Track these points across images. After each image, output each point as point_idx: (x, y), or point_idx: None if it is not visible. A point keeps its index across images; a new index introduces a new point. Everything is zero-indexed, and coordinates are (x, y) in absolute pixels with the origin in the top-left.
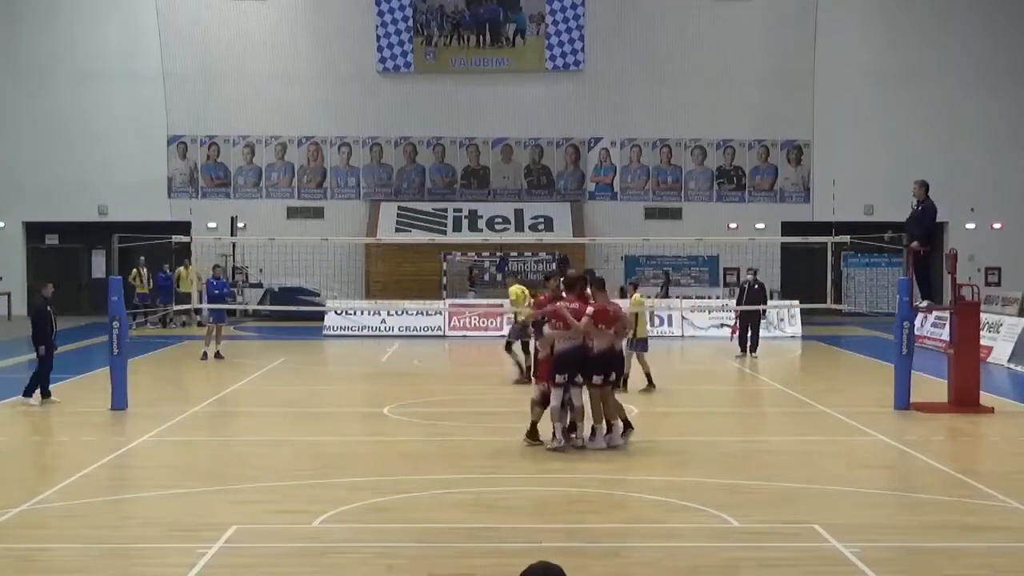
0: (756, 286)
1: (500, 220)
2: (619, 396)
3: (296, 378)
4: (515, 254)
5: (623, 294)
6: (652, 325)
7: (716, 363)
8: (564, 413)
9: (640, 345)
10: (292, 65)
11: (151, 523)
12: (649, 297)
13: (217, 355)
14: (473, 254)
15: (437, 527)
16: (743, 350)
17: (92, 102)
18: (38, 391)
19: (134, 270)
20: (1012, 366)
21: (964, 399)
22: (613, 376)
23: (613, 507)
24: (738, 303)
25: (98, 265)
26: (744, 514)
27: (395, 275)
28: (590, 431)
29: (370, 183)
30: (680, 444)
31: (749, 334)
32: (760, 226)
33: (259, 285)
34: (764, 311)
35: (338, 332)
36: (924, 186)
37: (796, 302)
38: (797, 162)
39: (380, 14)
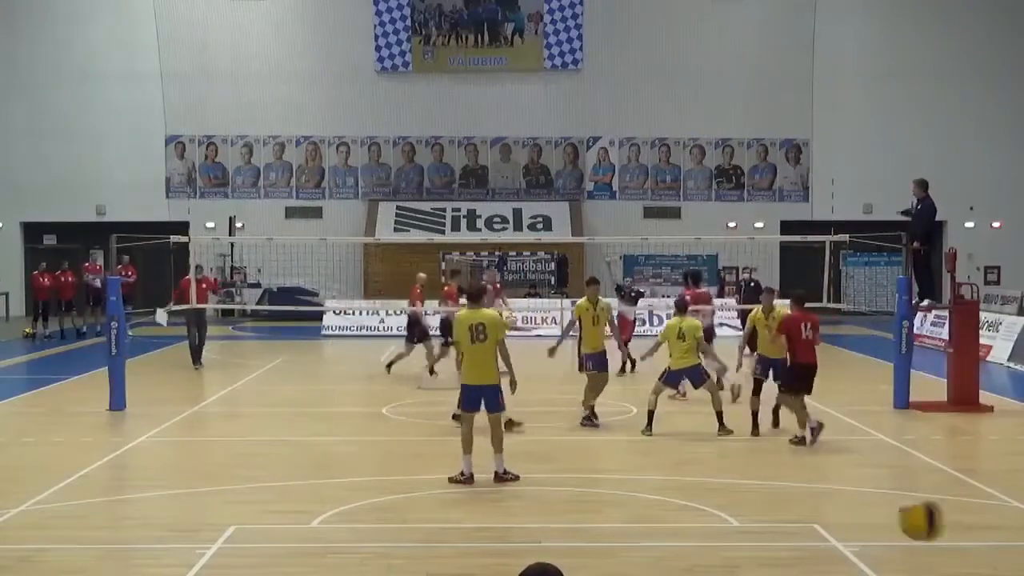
0: (752, 284)
1: (499, 220)
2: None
3: (295, 378)
4: (514, 254)
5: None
6: (651, 324)
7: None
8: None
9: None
10: (290, 65)
11: (150, 523)
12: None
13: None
14: (471, 254)
15: (436, 527)
16: (751, 349)
17: (90, 102)
18: None
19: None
20: (1011, 365)
21: (963, 398)
22: None
23: (613, 507)
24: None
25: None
26: (744, 514)
27: (394, 275)
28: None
29: (368, 183)
30: (680, 444)
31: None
32: (759, 225)
33: (257, 285)
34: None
35: (337, 332)
36: (923, 185)
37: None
38: (796, 161)
39: (378, 13)
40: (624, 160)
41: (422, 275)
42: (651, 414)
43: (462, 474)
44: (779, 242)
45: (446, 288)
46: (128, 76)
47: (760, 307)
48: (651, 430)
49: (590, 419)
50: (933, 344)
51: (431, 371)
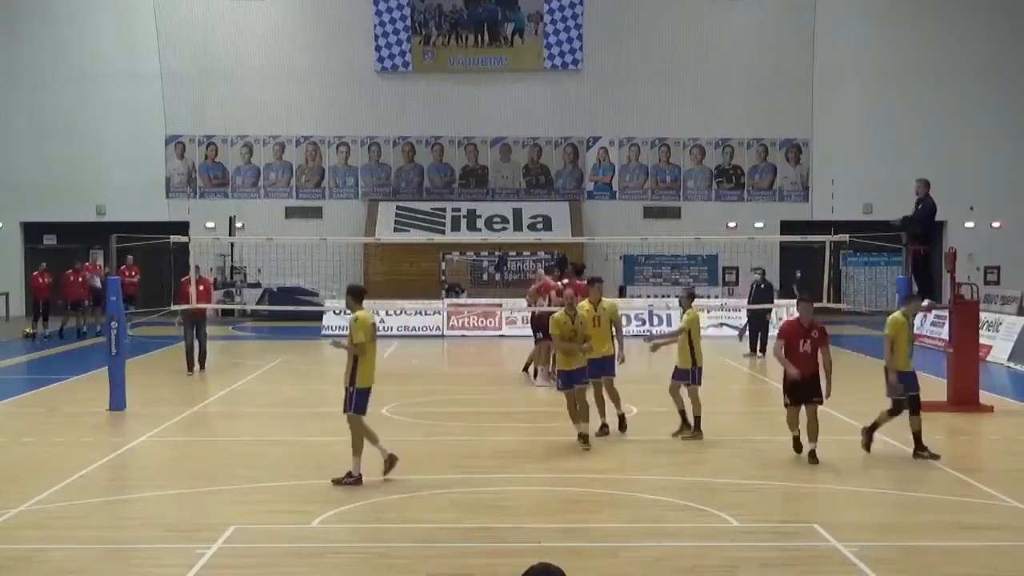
0: (763, 286)
1: (499, 220)
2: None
3: (295, 378)
4: (514, 254)
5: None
6: (652, 324)
7: (717, 363)
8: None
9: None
10: (290, 65)
11: (150, 523)
12: None
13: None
14: (471, 254)
15: (436, 527)
16: (752, 350)
17: (90, 102)
18: None
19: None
20: (1011, 365)
21: (963, 398)
22: None
23: (613, 507)
24: (749, 302)
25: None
26: (744, 514)
27: (394, 275)
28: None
29: (368, 183)
30: (680, 444)
31: (759, 333)
32: (759, 225)
33: (257, 285)
34: (770, 311)
35: (337, 332)
36: (925, 184)
37: (794, 301)
38: (796, 161)
39: (378, 13)
40: (624, 160)
41: (541, 271)
42: (696, 417)
43: (349, 475)
44: (779, 242)
45: (544, 284)
46: (128, 76)
47: (901, 311)
48: (699, 431)
49: (606, 428)
50: (933, 344)
51: (536, 372)
